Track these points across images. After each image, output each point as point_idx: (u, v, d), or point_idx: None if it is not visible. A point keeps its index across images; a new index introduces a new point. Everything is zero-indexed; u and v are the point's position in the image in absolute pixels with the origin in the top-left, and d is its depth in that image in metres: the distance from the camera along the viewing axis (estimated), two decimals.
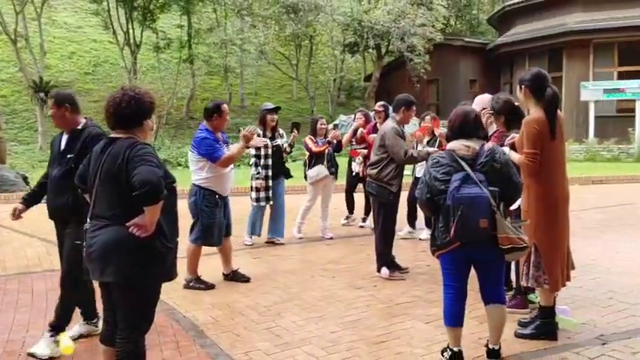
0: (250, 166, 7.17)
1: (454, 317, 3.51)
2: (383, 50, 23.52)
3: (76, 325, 4.16)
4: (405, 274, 5.66)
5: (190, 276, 5.35)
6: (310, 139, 7.56)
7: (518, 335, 3.97)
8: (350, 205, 8.46)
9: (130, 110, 2.96)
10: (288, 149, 7.13)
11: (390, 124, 5.57)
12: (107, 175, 2.91)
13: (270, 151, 6.87)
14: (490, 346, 3.54)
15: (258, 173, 6.84)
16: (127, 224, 2.83)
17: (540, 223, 3.83)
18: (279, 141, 7.04)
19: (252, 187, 6.96)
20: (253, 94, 26.15)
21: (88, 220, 3.03)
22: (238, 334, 4.17)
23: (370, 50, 24.04)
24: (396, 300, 4.91)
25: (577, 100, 18.00)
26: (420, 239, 7.33)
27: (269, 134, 6.96)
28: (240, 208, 8.18)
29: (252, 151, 6.85)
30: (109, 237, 2.88)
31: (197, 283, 5.33)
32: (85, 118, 3.95)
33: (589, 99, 17.19)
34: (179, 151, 16.88)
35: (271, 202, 6.98)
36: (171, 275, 3.08)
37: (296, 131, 7.14)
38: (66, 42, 26.19)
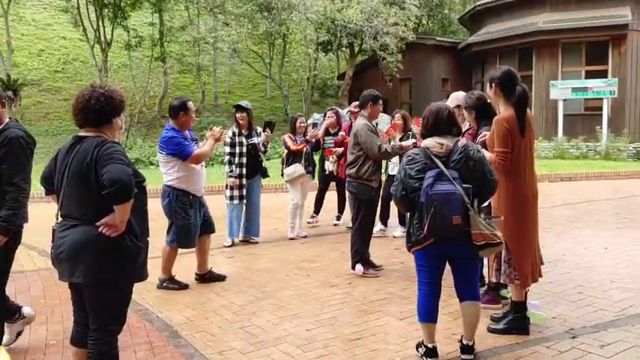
0: (224, 164, 7.11)
1: (428, 313, 3.54)
2: (356, 49, 23.58)
3: (6, 329, 3.87)
4: (379, 271, 5.69)
5: (164, 276, 5.29)
6: (289, 136, 7.53)
7: (490, 330, 4.03)
8: (318, 204, 8.42)
9: (99, 107, 2.90)
10: (262, 149, 7.08)
11: (361, 122, 5.59)
12: (75, 174, 2.85)
13: (244, 150, 6.83)
14: (464, 342, 3.57)
15: (232, 171, 6.79)
16: (97, 224, 2.78)
17: (510, 220, 3.87)
18: (255, 139, 6.97)
19: (226, 185, 6.91)
20: (226, 92, 26.00)
21: (56, 220, 2.97)
22: (213, 334, 4.14)
23: (343, 49, 24.08)
24: (371, 297, 4.93)
25: (546, 98, 18.30)
26: (394, 236, 7.37)
27: (245, 132, 6.91)
28: (215, 207, 8.12)
29: (227, 149, 6.80)
30: (78, 237, 2.82)
31: (171, 283, 5.27)
32: (10, 118, 3.73)
33: (558, 97, 17.49)
34: (151, 150, 16.68)
35: (245, 201, 6.94)
36: (142, 275, 3.04)
37: (269, 131, 7.03)
38: (34, 39, 25.67)
